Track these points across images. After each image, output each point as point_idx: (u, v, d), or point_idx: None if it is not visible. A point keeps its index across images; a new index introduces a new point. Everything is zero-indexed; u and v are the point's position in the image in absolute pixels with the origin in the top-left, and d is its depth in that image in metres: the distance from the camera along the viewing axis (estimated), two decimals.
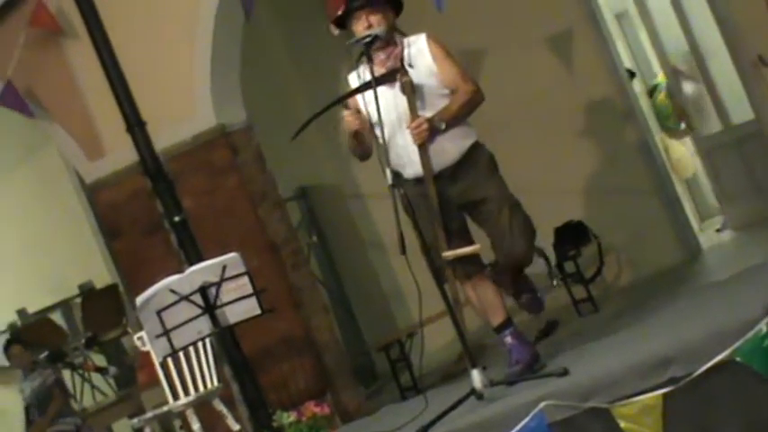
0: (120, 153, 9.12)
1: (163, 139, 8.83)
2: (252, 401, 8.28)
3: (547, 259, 9.29)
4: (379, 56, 6.51)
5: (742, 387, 5.36)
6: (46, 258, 13.01)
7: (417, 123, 6.38)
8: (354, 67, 6.68)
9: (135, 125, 8.26)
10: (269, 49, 11.36)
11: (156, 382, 7.91)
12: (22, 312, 13.01)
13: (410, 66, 6.49)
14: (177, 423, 8.95)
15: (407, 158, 6.51)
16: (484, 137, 6.71)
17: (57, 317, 12.79)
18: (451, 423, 6.12)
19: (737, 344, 5.35)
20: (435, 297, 6.26)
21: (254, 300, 6.76)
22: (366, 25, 6.48)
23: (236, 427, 7.63)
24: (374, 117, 6.35)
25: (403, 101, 6.42)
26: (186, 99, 9.25)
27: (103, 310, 11.67)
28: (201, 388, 7.65)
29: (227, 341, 8.07)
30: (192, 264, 7.35)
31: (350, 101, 6.64)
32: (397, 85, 6.44)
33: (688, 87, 10.56)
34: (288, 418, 8.12)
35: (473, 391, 6.16)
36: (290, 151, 9.05)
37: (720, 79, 9.96)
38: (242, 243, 8.27)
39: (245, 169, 9.25)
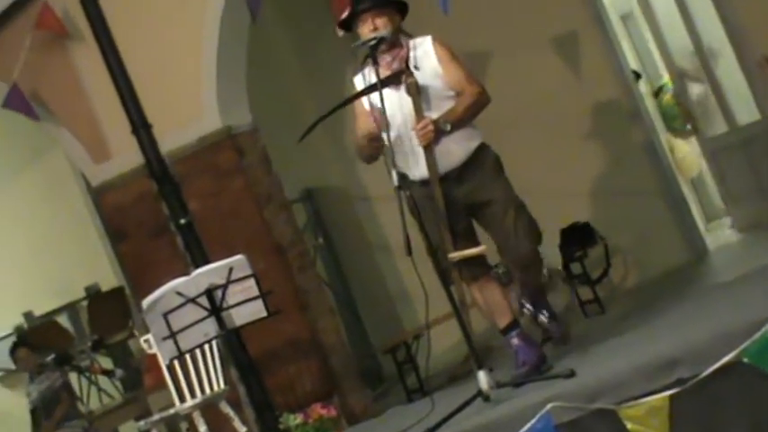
0: (126, 156, 9.13)
1: (168, 141, 8.83)
2: (258, 404, 8.27)
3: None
4: (385, 58, 6.51)
5: (749, 388, 5.36)
6: (52, 261, 13.01)
7: (423, 125, 6.38)
8: (360, 69, 6.68)
9: (141, 128, 8.26)
10: (275, 51, 11.36)
11: (163, 384, 7.91)
12: (28, 315, 13.03)
13: (416, 68, 6.49)
14: (184, 425, 8.97)
15: (413, 160, 6.51)
16: (490, 138, 6.71)
17: (63, 320, 12.79)
18: (458, 425, 6.11)
19: (744, 345, 5.35)
20: (442, 299, 6.26)
21: (260, 302, 6.76)
22: (372, 28, 6.48)
23: (243, 429, 7.63)
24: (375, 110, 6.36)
25: (408, 102, 6.43)
26: (192, 101, 9.24)
27: (110, 313, 11.68)
28: (208, 390, 7.65)
29: (234, 343, 8.07)
30: (198, 266, 7.36)
31: (356, 103, 6.65)
32: (403, 86, 6.45)
33: (693, 89, 10.55)
34: (294, 420, 8.12)
35: (480, 393, 6.16)
36: (296, 153, 9.05)
37: (726, 80, 9.94)
38: (248, 245, 8.27)
39: (251, 171, 9.24)
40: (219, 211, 9.14)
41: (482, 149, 6.61)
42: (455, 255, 6.49)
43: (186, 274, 6.89)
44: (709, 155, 10.48)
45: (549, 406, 5.66)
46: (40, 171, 13.02)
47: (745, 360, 5.34)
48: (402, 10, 6.65)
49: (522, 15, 10.00)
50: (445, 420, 6.16)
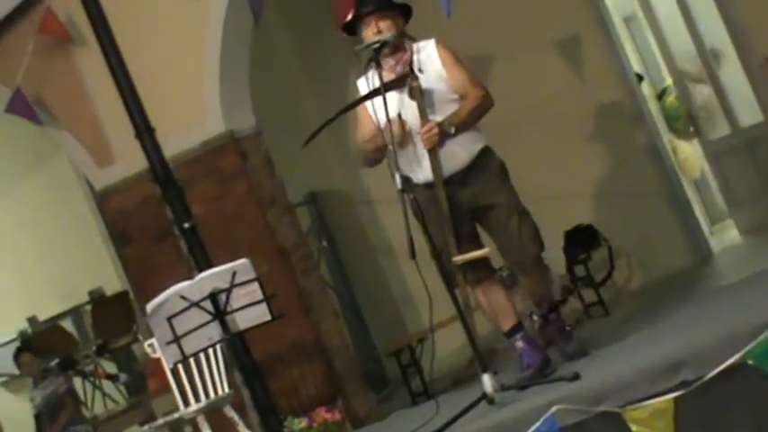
0: (130, 160, 9.13)
1: (172, 145, 8.82)
2: (262, 407, 8.26)
3: None
4: (389, 61, 6.51)
5: (753, 390, 5.36)
6: (56, 265, 13.01)
7: (428, 128, 6.38)
8: (363, 72, 6.68)
9: (144, 132, 8.25)
10: (278, 54, 11.35)
11: (167, 388, 7.90)
12: (32, 320, 13.02)
13: (419, 71, 6.50)
14: (188, 430, 8.95)
15: (417, 163, 6.51)
16: (493, 141, 6.71)
17: (67, 324, 12.79)
18: (463, 428, 6.12)
19: (749, 347, 5.35)
20: (446, 302, 6.26)
21: (264, 306, 6.77)
22: (375, 31, 6.48)
23: None
24: (383, 122, 6.35)
25: (412, 106, 6.43)
26: (195, 105, 9.25)
27: (114, 317, 11.68)
28: (212, 394, 7.63)
29: (238, 347, 8.06)
30: (201, 270, 7.36)
31: (359, 107, 6.65)
32: (407, 90, 6.44)
33: (696, 91, 10.54)
34: (299, 424, 8.12)
35: (484, 396, 6.15)
36: (300, 156, 9.03)
37: (729, 82, 9.93)
38: (252, 249, 8.27)
39: (255, 175, 9.24)
40: (223, 214, 9.15)
41: (486, 152, 6.62)
42: (459, 258, 6.48)
43: (190, 277, 6.90)
44: (711, 157, 10.45)
45: (553, 409, 5.66)
46: (43, 175, 13.03)
47: (750, 362, 5.34)
48: (406, 13, 6.65)
49: (525, 18, 10.00)
50: (450, 423, 6.16)
